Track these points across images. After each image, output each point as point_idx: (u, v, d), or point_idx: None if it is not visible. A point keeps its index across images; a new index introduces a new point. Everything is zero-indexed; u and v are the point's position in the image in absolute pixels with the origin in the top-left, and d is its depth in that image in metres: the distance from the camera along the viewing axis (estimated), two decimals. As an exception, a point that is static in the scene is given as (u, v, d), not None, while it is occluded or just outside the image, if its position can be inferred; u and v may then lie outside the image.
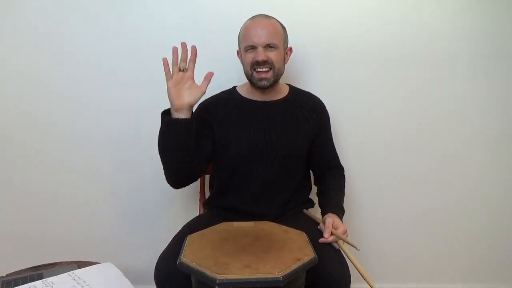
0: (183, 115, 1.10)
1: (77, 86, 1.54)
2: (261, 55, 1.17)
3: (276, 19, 1.24)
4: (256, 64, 1.18)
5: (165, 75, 1.09)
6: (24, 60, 1.52)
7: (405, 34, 1.53)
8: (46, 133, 1.58)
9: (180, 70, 1.09)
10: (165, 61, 1.08)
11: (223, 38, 1.48)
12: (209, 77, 1.12)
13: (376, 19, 1.52)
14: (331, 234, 1.11)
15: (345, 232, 1.13)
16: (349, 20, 1.52)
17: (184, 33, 1.51)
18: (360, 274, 1.02)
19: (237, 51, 1.30)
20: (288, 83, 1.38)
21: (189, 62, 1.10)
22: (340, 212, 1.23)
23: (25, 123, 1.57)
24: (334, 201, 1.25)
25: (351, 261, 1.06)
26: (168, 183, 1.21)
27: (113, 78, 1.54)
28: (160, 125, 1.13)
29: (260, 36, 1.17)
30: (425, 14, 1.52)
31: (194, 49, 1.10)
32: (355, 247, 1.08)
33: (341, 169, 1.39)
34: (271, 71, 1.20)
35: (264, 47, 1.17)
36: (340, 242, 1.12)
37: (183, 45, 1.09)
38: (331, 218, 1.15)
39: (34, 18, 1.49)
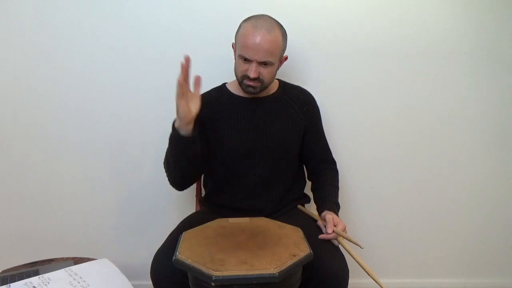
0: (191, 126, 1.10)
1: (78, 88, 1.54)
2: (253, 72, 1.14)
3: (279, 29, 1.17)
4: (247, 76, 1.17)
5: (178, 91, 1.05)
6: (22, 64, 1.52)
7: (404, 32, 1.52)
8: (43, 133, 1.57)
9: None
10: (180, 80, 1.04)
11: (213, 35, 1.48)
12: (199, 82, 1.08)
13: (373, 18, 1.51)
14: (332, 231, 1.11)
15: (344, 229, 1.13)
16: (345, 18, 1.51)
17: (176, 31, 1.51)
18: (366, 272, 1.02)
19: (232, 44, 1.27)
20: (279, 78, 1.38)
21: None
22: (336, 208, 1.23)
23: (23, 124, 1.56)
24: (330, 198, 1.25)
25: (354, 258, 1.06)
26: (173, 187, 1.25)
27: (112, 82, 1.54)
28: (169, 138, 1.15)
29: (258, 52, 1.12)
30: (424, 12, 1.51)
31: (188, 59, 1.05)
32: (359, 246, 1.07)
33: (333, 163, 1.39)
34: (260, 83, 1.19)
35: (259, 64, 1.15)
36: (340, 238, 1.11)
37: (187, 59, 1.04)
38: (330, 215, 1.15)
39: (30, 22, 1.49)
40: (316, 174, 1.36)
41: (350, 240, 1.10)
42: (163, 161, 1.24)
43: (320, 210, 1.23)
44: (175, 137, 1.13)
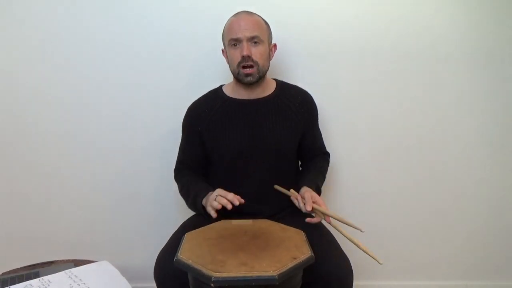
0: None
1: (78, 89, 1.55)
2: (245, 49, 1.17)
3: (259, 16, 1.24)
4: (242, 60, 1.19)
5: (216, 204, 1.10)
6: (25, 64, 1.53)
7: (402, 32, 1.52)
8: (44, 134, 1.58)
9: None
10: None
11: (209, 37, 1.48)
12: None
13: (367, 18, 1.51)
14: (313, 209, 1.07)
15: (322, 204, 1.08)
16: (340, 18, 1.52)
17: (172, 34, 1.52)
18: (363, 250, 0.95)
19: (222, 50, 1.30)
20: (276, 78, 1.38)
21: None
22: (314, 187, 1.19)
23: (23, 125, 1.57)
24: (309, 177, 1.24)
25: (347, 238, 0.98)
26: None
27: (114, 84, 1.55)
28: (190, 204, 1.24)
29: (244, 30, 1.17)
30: (421, 12, 1.51)
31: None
32: (359, 229, 1.00)
33: (326, 154, 1.39)
34: (255, 67, 1.20)
35: (248, 41, 1.18)
36: (331, 219, 1.05)
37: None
38: (309, 193, 1.11)
39: (35, 20, 1.50)
40: (304, 165, 1.37)
41: (345, 223, 1.03)
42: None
43: (297, 188, 1.20)
44: (199, 211, 1.21)
